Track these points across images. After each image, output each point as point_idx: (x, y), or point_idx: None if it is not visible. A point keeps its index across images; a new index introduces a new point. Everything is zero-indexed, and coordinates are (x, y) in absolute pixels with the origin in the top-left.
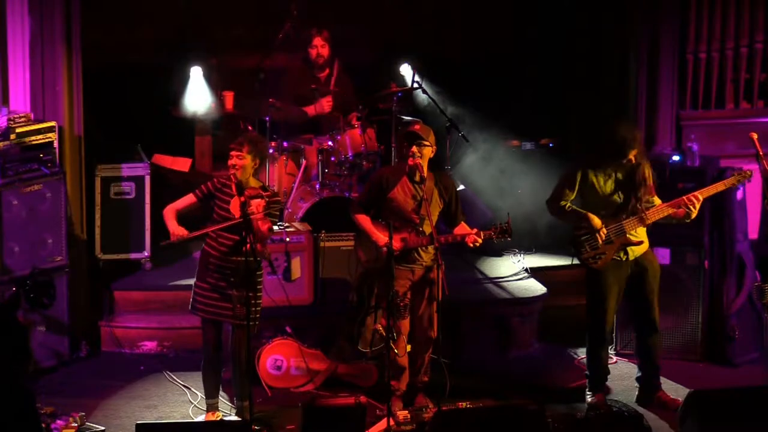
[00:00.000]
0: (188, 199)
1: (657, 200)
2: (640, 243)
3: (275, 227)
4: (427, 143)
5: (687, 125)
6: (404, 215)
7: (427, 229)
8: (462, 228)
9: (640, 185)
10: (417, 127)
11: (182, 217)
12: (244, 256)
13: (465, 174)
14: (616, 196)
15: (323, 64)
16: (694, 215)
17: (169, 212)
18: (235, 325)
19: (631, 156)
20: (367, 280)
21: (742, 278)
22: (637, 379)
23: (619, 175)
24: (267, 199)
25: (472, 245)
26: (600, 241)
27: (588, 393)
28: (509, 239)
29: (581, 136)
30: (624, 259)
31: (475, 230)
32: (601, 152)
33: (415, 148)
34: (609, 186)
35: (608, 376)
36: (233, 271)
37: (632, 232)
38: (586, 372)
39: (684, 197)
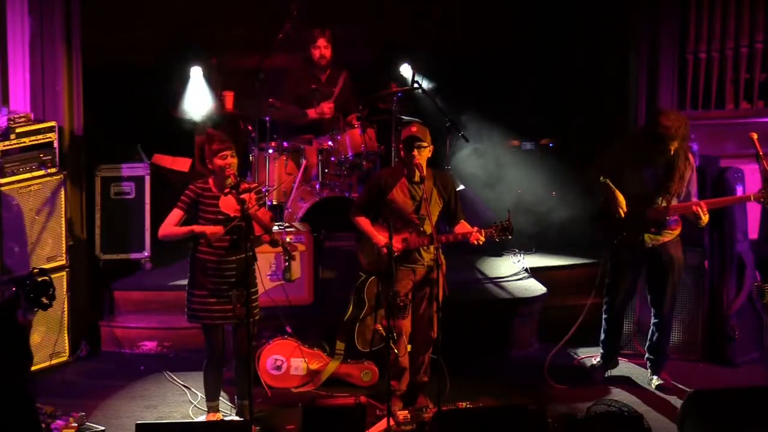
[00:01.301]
0: (176, 215)
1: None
2: (658, 233)
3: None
4: (425, 144)
5: None
6: (404, 216)
7: (428, 228)
8: (463, 226)
9: (673, 179)
10: (414, 129)
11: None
12: (242, 253)
13: (458, 165)
14: (649, 183)
15: (325, 65)
16: (703, 222)
17: (171, 228)
18: (237, 325)
19: (672, 146)
20: (368, 281)
21: (742, 278)
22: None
23: (659, 164)
24: (256, 192)
25: (476, 243)
26: (620, 218)
27: (582, 358)
28: (510, 237)
29: (581, 136)
30: (642, 245)
31: (476, 228)
32: (645, 136)
33: (415, 152)
34: (645, 172)
35: (613, 356)
36: (233, 271)
37: (654, 220)
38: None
39: (693, 205)
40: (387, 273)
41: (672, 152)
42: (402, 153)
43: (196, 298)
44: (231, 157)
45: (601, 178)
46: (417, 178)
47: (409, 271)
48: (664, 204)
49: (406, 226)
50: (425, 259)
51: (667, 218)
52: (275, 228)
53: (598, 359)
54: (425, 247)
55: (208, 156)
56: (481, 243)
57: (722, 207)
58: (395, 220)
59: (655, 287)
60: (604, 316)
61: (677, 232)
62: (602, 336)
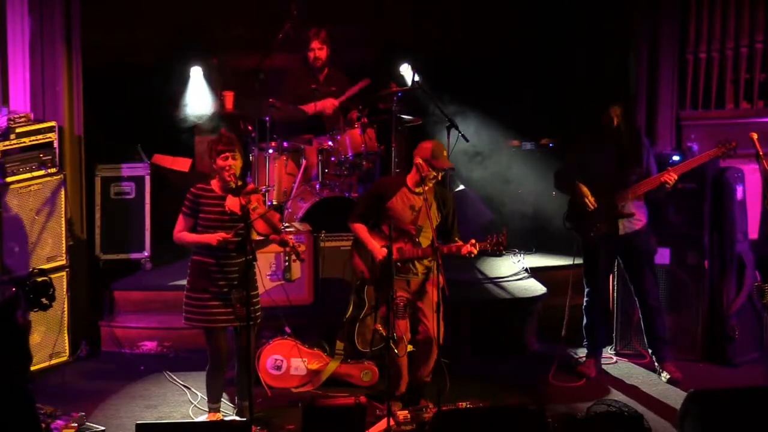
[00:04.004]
0: (182, 221)
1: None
2: (631, 216)
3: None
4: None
5: (687, 125)
6: (401, 225)
7: (424, 241)
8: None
9: (630, 161)
10: (446, 157)
11: None
12: (245, 255)
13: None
14: (608, 171)
15: (321, 66)
16: (670, 187)
17: (183, 233)
18: (239, 326)
19: (613, 114)
20: (366, 282)
21: (742, 278)
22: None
23: (610, 148)
24: (261, 193)
25: (466, 254)
26: (590, 209)
27: (582, 357)
28: (503, 252)
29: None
30: (615, 233)
31: (472, 241)
32: (586, 117)
33: (435, 175)
34: (602, 160)
35: (605, 349)
36: (236, 273)
37: (622, 205)
38: (585, 341)
39: (661, 176)
40: (387, 276)
41: (616, 122)
42: (421, 164)
43: (195, 302)
44: (232, 159)
45: (566, 178)
46: (419, 189)
47: (403, 282)
48: (629, 186)
49: (401, 236)
50: (418, 270)
51: (632, 198)
52: None
53: (583, 357)
54: (418, 259)
55: (212, 155)
56: (473, 255)
57: (695, 168)
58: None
59: (635, 277)
60: (586, 306)
61: (645, 219)
62: (585, 322)
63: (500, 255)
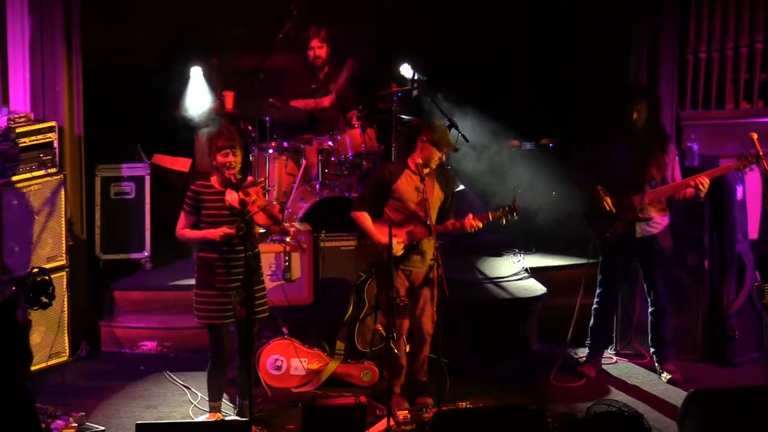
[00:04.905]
0: (184, 218)
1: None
2: (648, 220)
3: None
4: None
5: (687, 125)
6: (408, 207)
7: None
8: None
9: (652, 163)
10: (449, 140)
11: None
12: (249, 250)
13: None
14: (626, 172)
15: (321, 65)
16: (703, 194)
17: (186, 230)
18: (239, 324)
19: (635, 113)
20: (368, 281)
21: (742, 278)
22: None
23: (630, 152)
24: (261, 185)
25: (470, 229)
26: (607, 210)
27: (582, 357)
28: (517, 217)
29: (581, 136)
30: (632, 234)
31: (487, 213)
32: (608, 114)
33: (440, 156)
34: (624, 161)
35: (607, 348)
36: (241, 267)
37: (640, 208)
38: (588, 341)
39: (693, 178)
40: (386, 271)
41: (635, 117)
42: (426, 145)
43: (203, 298)
44: (232, 156)
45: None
46: (424, 170)
47: (405, 275)
48: (648, 189)
49: (409, 218)
50: (423, 262)
51: (650, 201)
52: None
53: (584, 357)
54: (428, 238)
55: (212, 151)
56: (476, 228)
57: (719, 176)
58: (399, 213)
59: (649, 278)
60: (596, 306)
61: (665, 223)
62: (592, 322)
63: (500, 255)
